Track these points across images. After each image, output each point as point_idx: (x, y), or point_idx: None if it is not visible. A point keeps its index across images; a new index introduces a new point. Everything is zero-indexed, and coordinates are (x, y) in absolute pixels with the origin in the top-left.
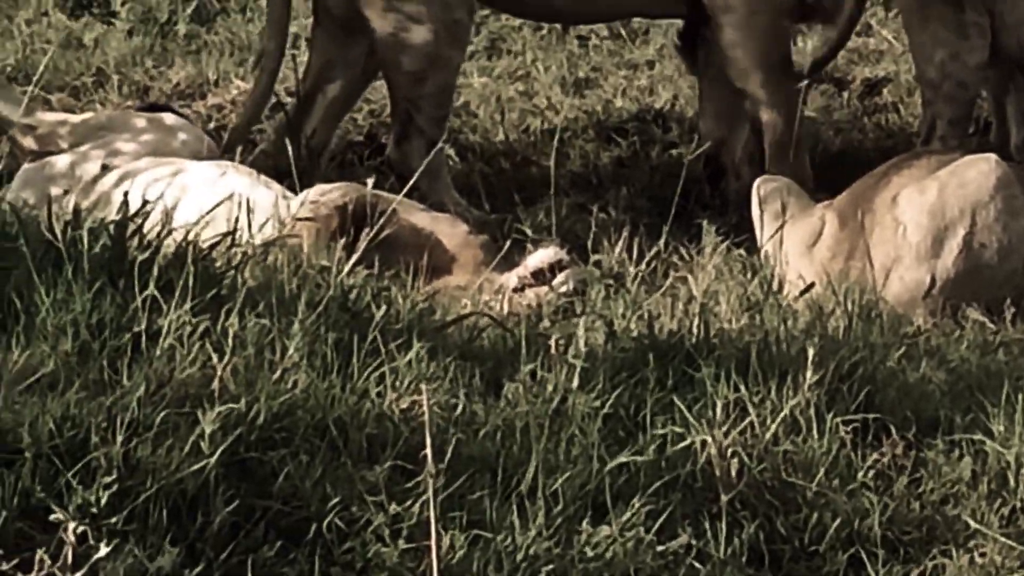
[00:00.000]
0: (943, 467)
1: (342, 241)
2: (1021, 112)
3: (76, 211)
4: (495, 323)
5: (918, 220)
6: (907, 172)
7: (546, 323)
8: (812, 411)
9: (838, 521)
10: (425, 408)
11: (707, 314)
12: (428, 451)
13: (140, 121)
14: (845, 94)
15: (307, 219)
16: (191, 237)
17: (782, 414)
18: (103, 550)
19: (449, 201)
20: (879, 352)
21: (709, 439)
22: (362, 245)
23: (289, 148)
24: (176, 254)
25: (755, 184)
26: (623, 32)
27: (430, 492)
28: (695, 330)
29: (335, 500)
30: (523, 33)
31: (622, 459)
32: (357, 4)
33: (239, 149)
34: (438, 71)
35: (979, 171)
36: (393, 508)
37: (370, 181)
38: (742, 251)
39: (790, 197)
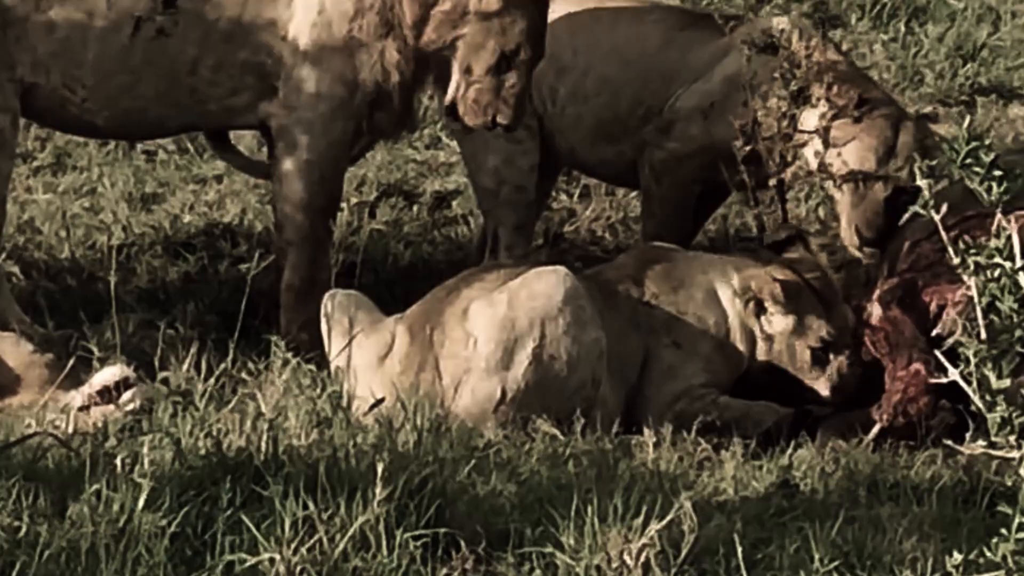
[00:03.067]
0: None
1: None
2: None
3: None
4: (60, 443)
5: (488, 333)
6: (477, 284)
7: (112, 442)
8: (381, 527)
9: None
10: None
11: (276, 430)
12: None
13: None
14: (415, 207)
15: None
16: None
17: (351, 530)
18: None
19: (13, 318)
20: (449, 466)
21: (278, 557)
22: None
23: None
24: None
25: (324, 298)
26: (190, 147)
27: None
28: (264, 447)
29: None
30: (89, 148)
31: None
32: None
33: None
34: None
35: (548, 283)
36: None
37: None
38: (312, 366)
39: (358, 311)
